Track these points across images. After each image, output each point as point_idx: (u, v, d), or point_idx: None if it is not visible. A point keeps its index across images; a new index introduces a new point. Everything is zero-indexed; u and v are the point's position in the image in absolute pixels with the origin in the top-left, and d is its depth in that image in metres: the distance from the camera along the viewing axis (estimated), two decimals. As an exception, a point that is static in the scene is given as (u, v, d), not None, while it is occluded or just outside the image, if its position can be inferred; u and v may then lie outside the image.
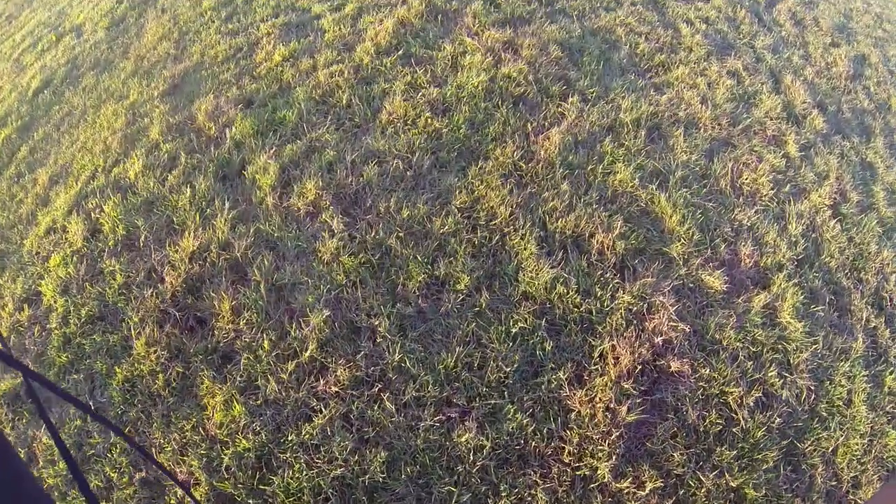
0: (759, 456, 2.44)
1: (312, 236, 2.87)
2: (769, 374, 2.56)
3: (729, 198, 3.12)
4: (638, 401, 2.38)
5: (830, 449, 2.58)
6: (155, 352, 2.66)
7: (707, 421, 2.43)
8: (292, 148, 3.38)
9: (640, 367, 2.44)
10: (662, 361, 2.48)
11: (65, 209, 3.58)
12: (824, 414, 2.62)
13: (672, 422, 2.41)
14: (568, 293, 2.59)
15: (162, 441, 2.44)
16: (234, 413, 2.42)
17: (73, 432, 2.60)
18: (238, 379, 2.50)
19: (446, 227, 2.85)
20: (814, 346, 2.70)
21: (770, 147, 3.49)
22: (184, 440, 2.43)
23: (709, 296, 2.71)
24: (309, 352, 2.45)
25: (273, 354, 2.50)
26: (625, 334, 2.51)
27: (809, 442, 2.53)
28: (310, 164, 3.26)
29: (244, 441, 2.35)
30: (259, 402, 2.42)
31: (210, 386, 2.51)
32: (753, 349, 2.60)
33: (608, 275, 2.67)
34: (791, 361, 2.64)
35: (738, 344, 2.59)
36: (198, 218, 3.13)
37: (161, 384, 2.57)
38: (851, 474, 2.59)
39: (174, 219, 3.17)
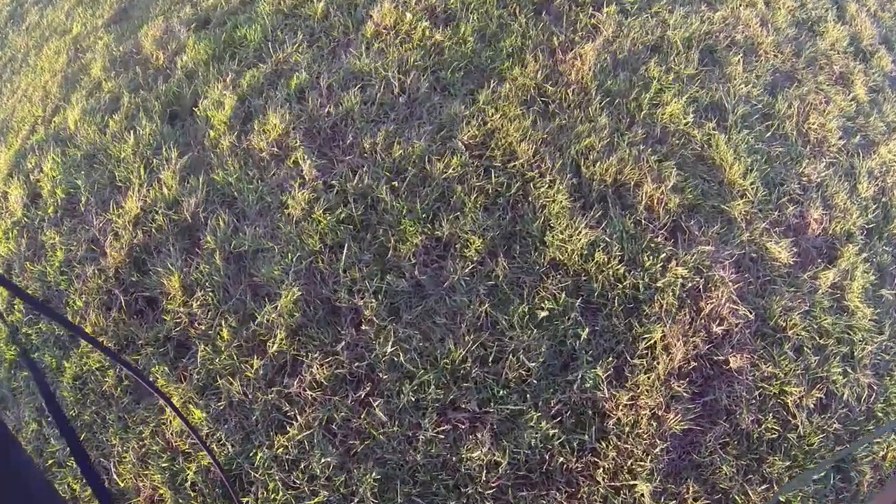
0: (813, 465, 1.93)
1: (278, 186, 2.06)
2: (833, 371, 2.00)
3: (795, 146, 2.40)
4: (689, 406, 1.79)
5: (881, 454, 2.11)
6: (102, 342, 1.98)
7: (762, 426, 1.88)
8: (254, 74, 2.49)
9: (694, 364, 1.83)
10: (720, 355, 1.87)
11: (5, 172, 2.81)
12: (880, 415, 2.10)
13: (723, 428, 1.85)
14: (609, 262, 1.89)
15: (121, 449, 1.85)
16: (193, 419, 1.75)
17: (31, 436, 2.01)
18: (195, 377, 1.80)
19: (451, 171, 2.06)
20: (880, 338, 2.14)
21: (837, 87, 2.74)
22: (143, 449, 1.81)
23: (773, 270, 2.07)
24: (277, 343, 1.73)
25: (234, 346, 1.79)
26: (677, 318, 1.86)
27: (863, 447, 2.04)
28: (275, 93, 2.38)
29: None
30: (222, 405, 1.74)
31: (165, 385, 1.85)
32: (820, 340, 2.02)
33: (659, 239, 1.97)
34: (855, 355, 2.08)
35: (803, 333, 2.00)
36: (142, 171, 2.33)
37: (112, 382, 1.93)
38: (897, 479, 2.15)
39: (116, 174, 2.37)
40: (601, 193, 2.05)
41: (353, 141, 2.17)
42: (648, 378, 1.78)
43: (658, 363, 1.79)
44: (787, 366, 1.92)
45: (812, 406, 1.95)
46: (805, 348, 1.99)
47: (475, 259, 1.86)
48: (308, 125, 2.24)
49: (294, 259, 1.84)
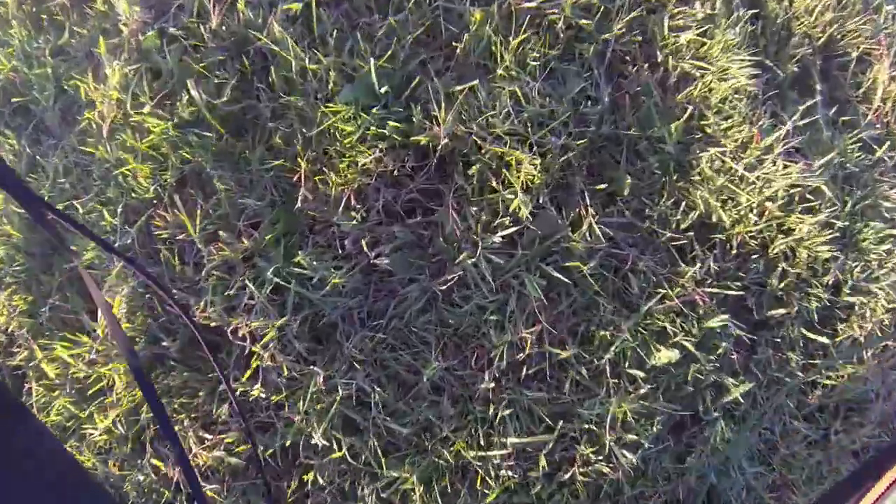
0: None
1: (85, 56, 0.75)
2: None
3: None
4: None
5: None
6: None
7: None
8: None
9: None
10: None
11: None
12: None
13: None
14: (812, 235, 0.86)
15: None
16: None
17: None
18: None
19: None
20: None
21: None
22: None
23: None
24: (115, 392, 0.69)
25: (70, 388, 0.75)
26: (878, 352, 0.95)
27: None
28: None
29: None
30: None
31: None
32: None
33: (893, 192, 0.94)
34: None
35: None
36: None
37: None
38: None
39: None
40: (803, 60, 0.90)
41: None
42: (813, 455, 0.93)
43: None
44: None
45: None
46: None
47: (517, 206, 0.73)
48: None
49: (118, 216, 0.66)
